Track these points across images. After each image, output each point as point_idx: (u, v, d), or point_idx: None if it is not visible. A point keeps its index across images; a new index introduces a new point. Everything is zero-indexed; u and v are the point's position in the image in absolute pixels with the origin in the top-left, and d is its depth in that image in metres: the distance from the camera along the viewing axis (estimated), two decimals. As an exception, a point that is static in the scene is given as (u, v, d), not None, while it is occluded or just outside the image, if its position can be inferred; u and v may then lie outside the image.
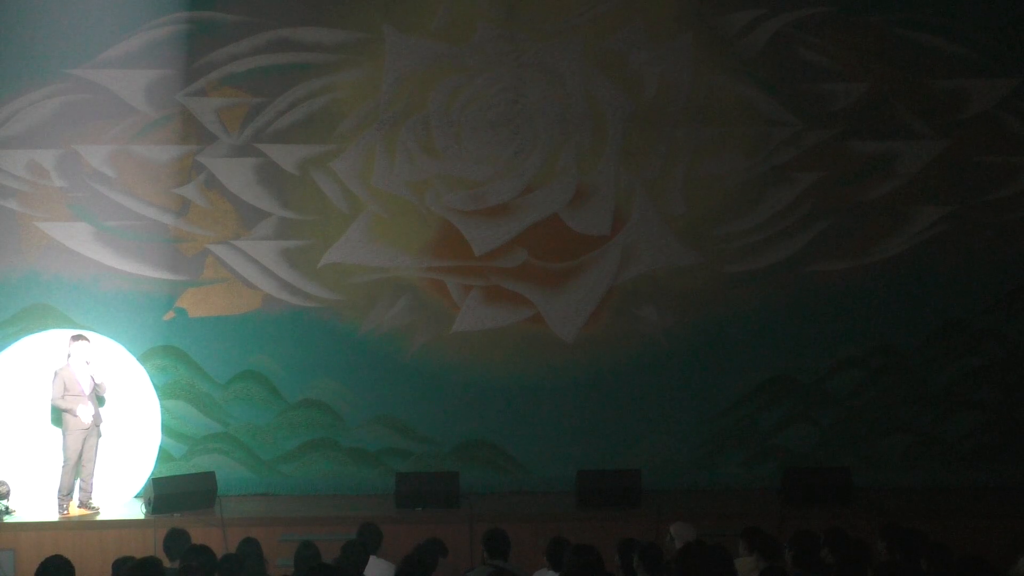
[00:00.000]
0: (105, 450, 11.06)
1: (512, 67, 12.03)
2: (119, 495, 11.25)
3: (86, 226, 11.85)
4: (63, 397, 10.71)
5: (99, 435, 10.89)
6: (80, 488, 10.89)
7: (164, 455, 11.70)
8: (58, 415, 10.86)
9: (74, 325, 11.51)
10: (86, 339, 10.88)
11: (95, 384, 10.85)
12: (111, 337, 11.46)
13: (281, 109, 11.96)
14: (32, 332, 11.48)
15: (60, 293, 11.80)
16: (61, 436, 10.83)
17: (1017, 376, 12.13)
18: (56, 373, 10.79)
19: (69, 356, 10.84)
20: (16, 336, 11.53)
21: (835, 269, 12.13)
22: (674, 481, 11.90)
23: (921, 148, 12.08)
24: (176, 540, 8.44)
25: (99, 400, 10.97)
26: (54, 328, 11.45)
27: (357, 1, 11.94)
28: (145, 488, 11.10)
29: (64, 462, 10.80)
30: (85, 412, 10.70)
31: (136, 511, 11.01)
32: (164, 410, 11.65)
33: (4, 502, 10.78)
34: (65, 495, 10.80)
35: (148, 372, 11.57)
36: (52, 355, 11.03)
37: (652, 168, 12.11)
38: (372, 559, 8.54)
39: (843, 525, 8.71)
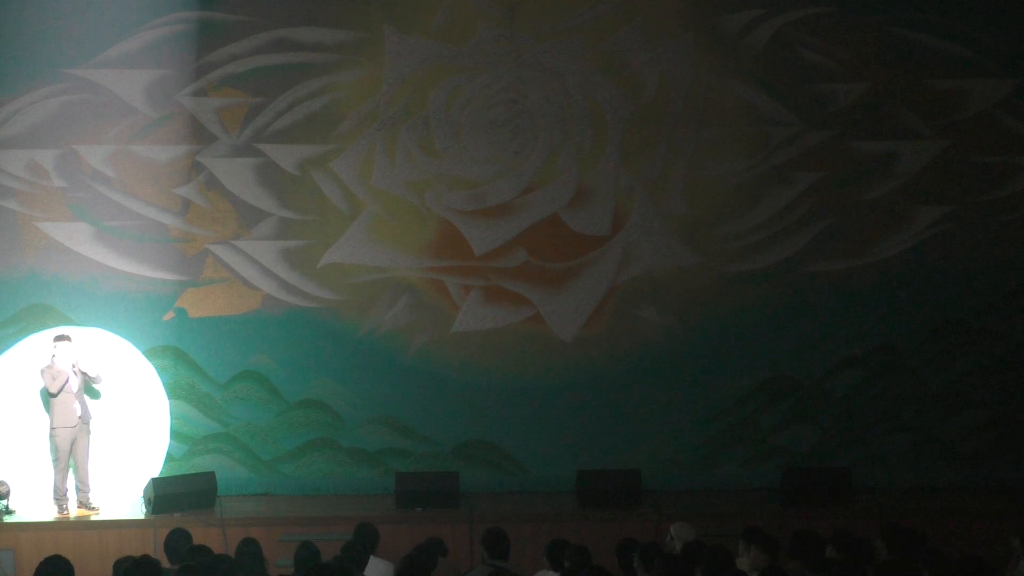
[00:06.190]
0: (111, 450, 11.08)
1: (512, 67, 12.03)
2: (124, 495, 11.24)
3: (86, 226, 11.84)
4: (53, 382, 10.71)
5: (89, 432, 10.90)
6: (78, 488, 10.89)
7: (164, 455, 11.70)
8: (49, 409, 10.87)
9: (74, 325, 11.50)
10: (68, 339, 10.89)
11: (88, 377, 10.86)
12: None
13: (281, 109, 11.95)
14: (32, 332, 11.48)
15: (60, 293, 11.79)
16: (48, 436, 10.85)
17: (1017, 376, 12.13)
18: (42, 372, 10.83)
19: (53, 356, 10.85)
20: (16, 336, 11.54)
21: (835, 269, 12.13)
22: (674, 481, 11.91)
23: (921, 148, 12.07)
24: (176, 540, 8.44)
25: (93, 393, 10.97)
26: (54, 328, 11.44)
27: (357, 1, 11.93)
28: (145, 488, 11.10)
29: (54, 462, 10.81)
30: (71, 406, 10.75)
31: (136, 511, 11.01)
32: (164, 410, 11.67)
33: (4, 502, 10.78)
34: (61, 495, 10.81)
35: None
36: (40, 355, 11.05)
37: (652, 168, 12.11)
38: (372, 559, 8.55)
39: (843, 525, 8.71)
